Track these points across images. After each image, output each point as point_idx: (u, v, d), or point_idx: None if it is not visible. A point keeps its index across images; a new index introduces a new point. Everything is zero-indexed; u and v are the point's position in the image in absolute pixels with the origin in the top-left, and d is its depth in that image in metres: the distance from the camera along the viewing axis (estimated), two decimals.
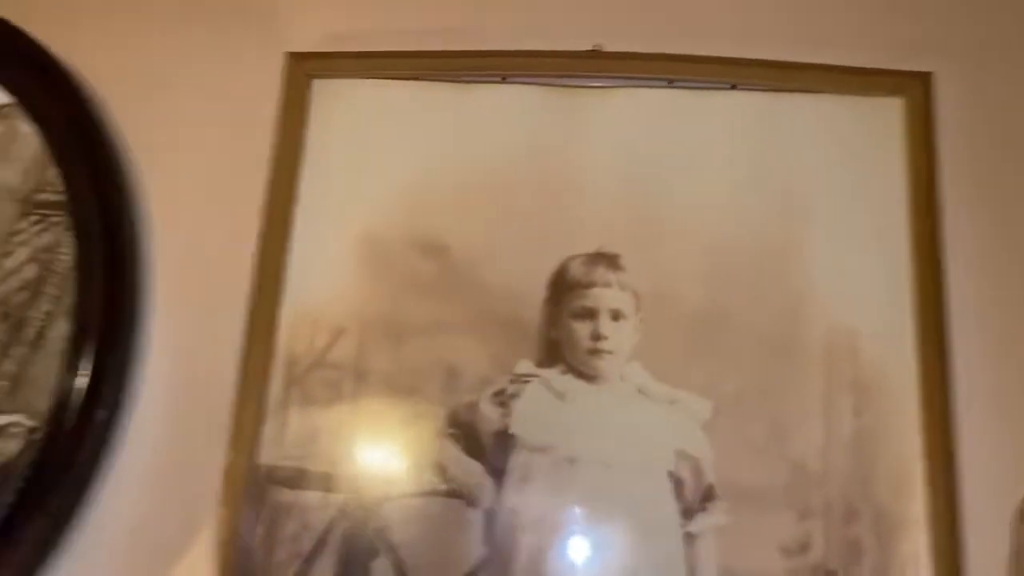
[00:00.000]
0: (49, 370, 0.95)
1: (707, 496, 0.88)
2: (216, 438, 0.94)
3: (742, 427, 0.90)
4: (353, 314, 0.97)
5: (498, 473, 0.91)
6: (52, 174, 1.01)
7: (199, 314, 1.00)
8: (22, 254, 1.00)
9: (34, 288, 0.99)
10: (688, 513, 0.88)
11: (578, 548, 0.88)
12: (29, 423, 0.94)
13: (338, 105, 1.04)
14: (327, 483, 0.92)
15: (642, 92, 1.02)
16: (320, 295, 0.98)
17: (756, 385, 0.91)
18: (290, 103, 1.04)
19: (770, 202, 0.96)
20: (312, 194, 1.01)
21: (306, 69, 1.05)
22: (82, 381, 0.93)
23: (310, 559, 0.90)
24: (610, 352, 0.93)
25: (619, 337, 0.93)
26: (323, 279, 0.99)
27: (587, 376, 0.93)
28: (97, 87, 1.06)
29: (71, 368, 0.93)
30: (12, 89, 1.04)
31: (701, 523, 0.87)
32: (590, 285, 0.95)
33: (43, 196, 1.01)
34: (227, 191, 1.03)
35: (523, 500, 0.90)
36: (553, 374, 0.93)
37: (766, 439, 0.89)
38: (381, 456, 0.93)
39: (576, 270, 0.96)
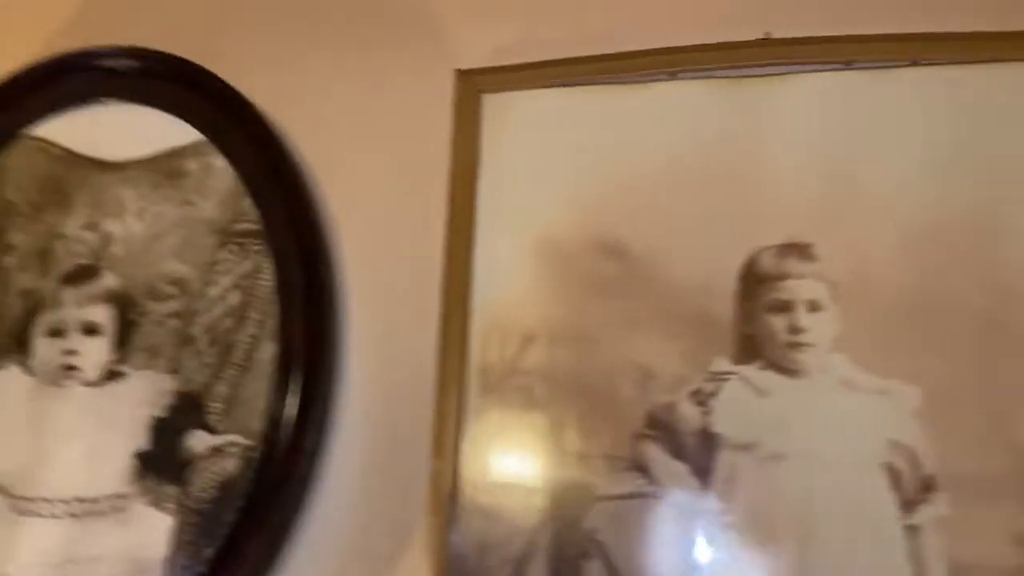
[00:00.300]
0: (259, 391, 1.00)
1: (927, 487, 0.85)
2: (419, 448, 0.96)
3: (958, 414, 0.86)
4: (540, 320, 0.98)
5: (703, 473, 0.90)
6: (247, 204, 1.06)
7: (392, 330, 1.03)
8: (225, 282, 1.05)
9: (239, 314, 1.04)
10: (908, 505, 0.85)
11: (792, 545, 0.87)
12: (245, 442, 0.99)
13: (509, 117, 1.06)
14: (533, 487, 0.93)
15: (818, 76, 0.99)
16: (507, 303, 1.00)
17: (970, 369, 0.87)
18: (462, 119, 1.06)
19: (971, 177, 0.91)
20: (491, 206, 1.03)
21: (475, 85, 1.07)
22: (292, 400, 0.97)
23: (521, 563, 0.91)
24: (810, 345, 0.91)
25: (818, 329, 0.91)
26: (508, 287, 1.00)
27: (788, 370, 0.91)
28: (278, 117, 1.10)
29: (280, 388, 0.98)
30: (202, 127, 1.10)
31: (923, 515, 0.84)
32: (783, 277, 0.93)
33: (240, 226, 1.07)
34: (408, 209, 1.06)
35: (731, 499, 0.89)
36: (751, 370, 0.92)
37: (986, 425, 0.85)
38: (582, 459, 0.93)
39: (767, 262, 0.94)
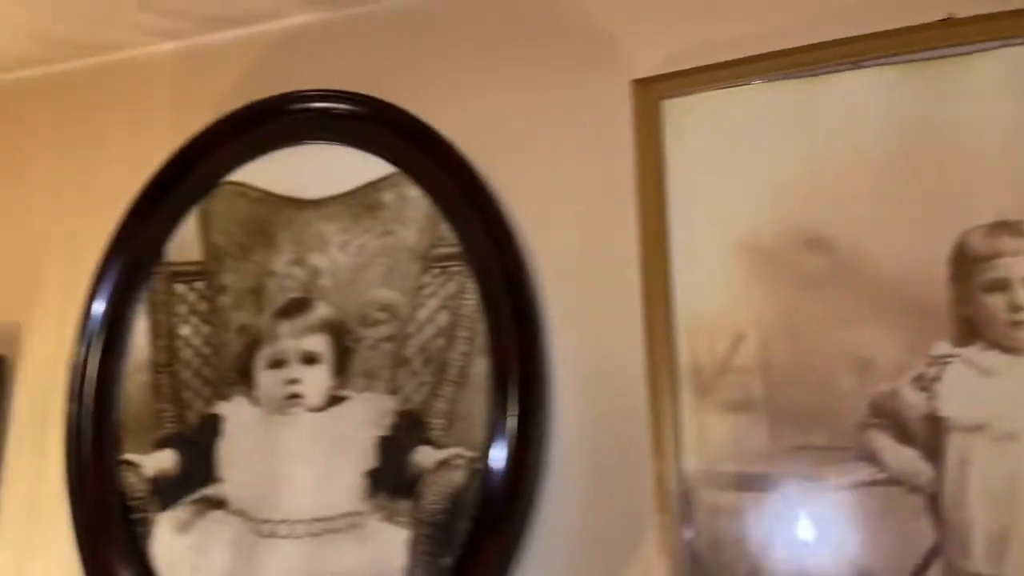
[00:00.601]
0: (477, 404, 1.05)
1: None
2: (638, 451, 1.00)
3: None
4: (748, 317, 1.00)
5: (934, 457, 0.90)
6: (444, 229, 1.12)
7: (596, 338, 1.06)
8: (432, 304, 1.10)
9: (448, 333, 1.09)
10: None
11: None
12: (469, 454, 1.04)
13: (691, 120, 1.08)
14: (757, 482, 0.95)
15: (1006, 51, 0.98)
16: (711, 304, 1.02)
17: None
18: (644, 128, 1.09)
19: None
20: (683, 209, 1.05)
21: (654, 92, 1.10)
22: (511, 410, 1.01)
23: (760, 557, 0.93)
24: None
25: None
26: (710, 288, 1.02)
27: (1012, 349, 0.90)
28: (464, 141, 1.15)
29: (498, 400, 1.03)
30: (394, 159, 1.16)
31: None
32: (996, 256, 0.93)
33: (440, 250, 1.12)
34: (599, 217, 1.10)
35: (968, 482, 0.89)
36: (974, 352, 0.92)
37: None
38: (806, 452, 0.95)
39: (978, 243, 0.94)
